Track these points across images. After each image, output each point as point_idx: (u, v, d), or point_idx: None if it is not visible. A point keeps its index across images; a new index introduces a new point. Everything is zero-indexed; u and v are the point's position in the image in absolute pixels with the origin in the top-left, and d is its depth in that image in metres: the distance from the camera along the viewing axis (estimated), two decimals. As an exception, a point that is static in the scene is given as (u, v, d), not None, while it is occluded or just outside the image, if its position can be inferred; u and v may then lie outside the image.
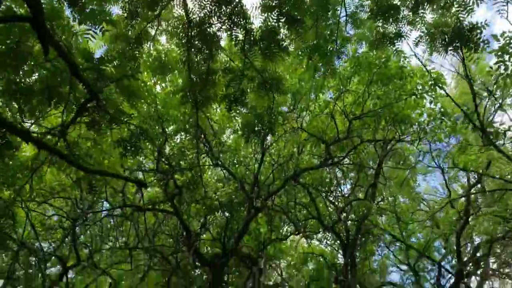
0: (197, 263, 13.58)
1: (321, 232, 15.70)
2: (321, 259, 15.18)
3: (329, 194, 14.83)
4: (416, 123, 11.81)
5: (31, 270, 15.52)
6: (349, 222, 15.17)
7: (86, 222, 12.38)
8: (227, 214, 14.30)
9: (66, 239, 13.27)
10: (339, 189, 14.95)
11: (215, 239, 14.23)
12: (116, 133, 8.78)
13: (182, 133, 12.71)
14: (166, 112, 10.69)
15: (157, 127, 11.13)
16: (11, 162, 8.75)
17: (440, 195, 17.97)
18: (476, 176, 15.38)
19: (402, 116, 11.82)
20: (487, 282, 16.48)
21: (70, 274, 15.45)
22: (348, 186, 15.76)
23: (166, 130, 11.28)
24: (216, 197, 14.16)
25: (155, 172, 11.89)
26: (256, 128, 9.05)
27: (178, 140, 13.02)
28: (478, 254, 15.16)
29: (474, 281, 16.52)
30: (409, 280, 16.27)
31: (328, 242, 16.14)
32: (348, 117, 11.47)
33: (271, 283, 15.48)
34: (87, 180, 8.62)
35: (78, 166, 6.86)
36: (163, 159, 11.82)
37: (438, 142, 12.01)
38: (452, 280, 15.90)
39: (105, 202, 13.46)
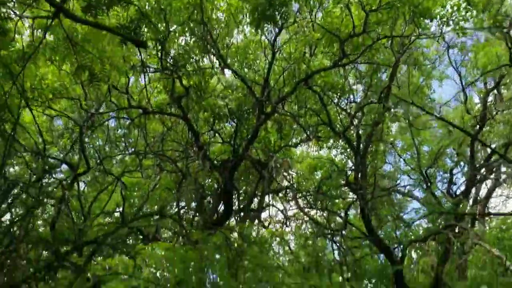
0: (206, 168, 13.34)
1: (331, 140, 15.30)
2: (331, 166, 14.90)
3: (341, 99, 14.23)
4: (438, 17, 10.86)
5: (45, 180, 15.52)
6: (361, 130, 14.68)
7: (93, 126, 11.94)
8: (236, 121, 13.88)
9: (74, 146, 12.98)
10: (352, 95, 14.30)
11: (224, 142, 13.88)
12: (115, 20, 8.04)
13: (187, 34, 11.91)
14: (168, 3, 9.81)
15: (159, 24, 10.34)
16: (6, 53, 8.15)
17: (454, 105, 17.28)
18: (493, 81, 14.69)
19: (422, 10, 10.87)
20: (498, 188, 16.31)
21: (82, 186, 15.45)
22: (361, 94, 15.08)
23: (170, 26, 10.45)
24: (224, 103, 13.66)
25: (160, 73, 11.27)
26: (267, 13, 8.22)
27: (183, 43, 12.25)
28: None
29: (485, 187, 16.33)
30: (419, 187, 16.06)
31: (338, 150, 15.80)
32: (365, 9, 10.52)
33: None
34: (87, 69, 8.02)
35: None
36: (168, 60, 11.13)
37: (462, 35, 11.08)
38: (463, 188, 15.73)
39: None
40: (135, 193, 16.68)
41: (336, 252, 17.90)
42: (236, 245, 10.50)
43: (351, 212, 17.25)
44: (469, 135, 13.24)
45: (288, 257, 14.14)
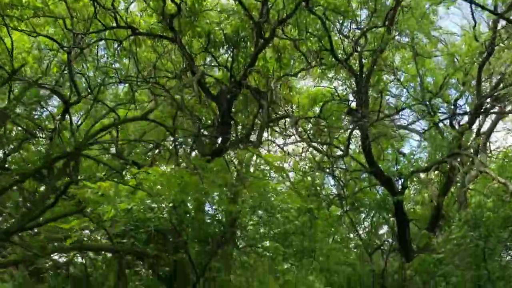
0: (203, 98, 12.55)
1: (333, 71, 14.38)
2: (333, 95, 14.07)
3: (344, 25, 13.20)
4: None
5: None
6: (364, 59, 13.71)
7: (81, 50, 10.93)
8: (232, 49, 12.91)
9: (63, 75, 12.09)
10: (355, 19, 13.22)
11: (220, 66, 12.96)
12: None
13: None
14: None
15: None
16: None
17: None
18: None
19: None
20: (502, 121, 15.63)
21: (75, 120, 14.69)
22: (365, 20, 13.99)
23: None
24: (220, 29, 12.66)
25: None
26: None
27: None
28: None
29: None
30: (421, 119, 15.34)
31: (339, 82, 14.91)
32: None
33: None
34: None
35: None
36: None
37: None
38: (466, 120, 15.02)
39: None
40: (131, 128, 15.92)
41: (335, 187, 17.54)
42: (235, 171, 9.87)
43: (351, 147, 16.61)
44: (495, 14, 11.87)
45: (287, 188, 13.58)
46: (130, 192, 8.36)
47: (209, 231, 10.03)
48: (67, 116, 12.16)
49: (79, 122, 15.12)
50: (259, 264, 10.56)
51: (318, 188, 16.05)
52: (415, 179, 15.45)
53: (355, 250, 16.37)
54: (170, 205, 8.88)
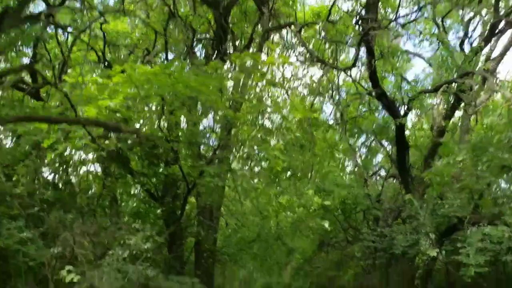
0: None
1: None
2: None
3: None
4: None
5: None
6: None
7: None
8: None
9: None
10: None
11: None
12: None
13: None
14: None
15: None
16: None
17: None
18: None
19: None
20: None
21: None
22: None
23: None
24: None
25: None
26: None
27: None
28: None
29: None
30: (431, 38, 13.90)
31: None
32: None
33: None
34: None
35: None
36: None
37: None
38: (476, 43, 13.65)
39: None
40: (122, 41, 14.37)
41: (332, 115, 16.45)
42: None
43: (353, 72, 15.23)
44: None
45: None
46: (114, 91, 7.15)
47: (203, 143, 8.98)
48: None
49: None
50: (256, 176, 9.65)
51: (317, 112, 14.93)
52: (418, 105, 14.30)
53: (351, 177, 15.63)
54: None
